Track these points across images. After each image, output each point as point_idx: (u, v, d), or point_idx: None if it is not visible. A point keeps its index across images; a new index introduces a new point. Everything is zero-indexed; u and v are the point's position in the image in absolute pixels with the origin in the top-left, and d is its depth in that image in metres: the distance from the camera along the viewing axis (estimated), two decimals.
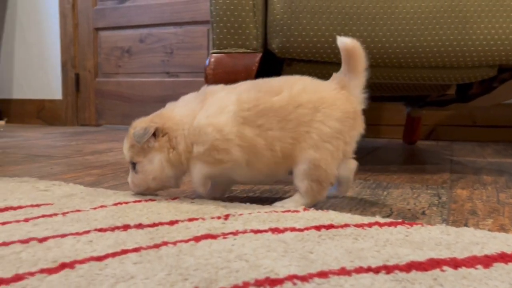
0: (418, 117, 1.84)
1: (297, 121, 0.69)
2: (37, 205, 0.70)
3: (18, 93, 3.00)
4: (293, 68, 1.06)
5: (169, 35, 2.71)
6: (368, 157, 1.47)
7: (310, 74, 1.06)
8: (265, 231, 0.57)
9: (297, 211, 0.68)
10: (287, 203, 0.73)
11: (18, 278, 0.42)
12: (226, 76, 0.99)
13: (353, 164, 0.80)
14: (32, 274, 0.43)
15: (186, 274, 0.43)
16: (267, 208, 0.70)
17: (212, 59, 1.00)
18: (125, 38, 2.81)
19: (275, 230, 0.58)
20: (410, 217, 0.70)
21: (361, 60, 0.76)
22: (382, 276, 0.43)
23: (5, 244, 0.51)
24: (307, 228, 0.59)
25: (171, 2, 2.69)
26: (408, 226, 0.60)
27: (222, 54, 0.99)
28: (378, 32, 0.97)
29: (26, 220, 0.61)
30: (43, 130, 2.45)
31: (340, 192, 0.83)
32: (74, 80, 2.86)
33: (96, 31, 2.87)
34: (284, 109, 0.70)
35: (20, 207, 0.68)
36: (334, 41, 0.97)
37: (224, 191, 0.83)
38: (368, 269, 0.45)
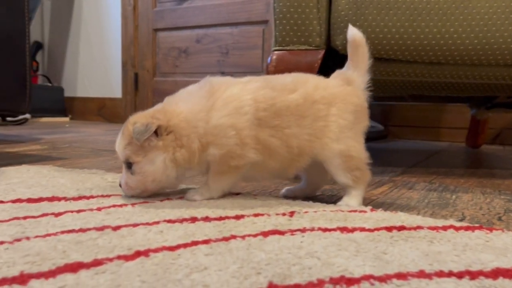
0: (484, 120, 1.75)
1: (313, 116, 0.70)
2: (108, 196, 0.72)
3: (82, 91, 3.15)
4: None
5: (225, 35, 2.74)
6: (430, 159, 1.42)
7: (374, 72, 1.03)
8: (334, 229, 0.56)
9: (364, 211, 0.66)
10: (351, 201, 0.72)
11: (97, 263, 0.43)
12: (289, 72, 0.98)
13: None
14: (110, 259, 0.44)
15: (258, 268, 0.43)
16: (332, 207, 0.68)
17: (274, 57, 0.99)
18: (182, 39, 2.88)
19: (343, 229, 0.56)
20: (486, 223, 0.66)
21: (366, 56, 0.77)
22: (466, 281, 0.41)
23: (82, 230, 0.53)
24: (377, 229, 0.56)
25: (227, 3, 2.72)
26: (487, 231, 0.56)
27: (284, 51, 0.99)
28: (449, 29, 0.92)
29: (99, 209, 0.64)
30: (104, 126, 2.56)
31: (305, 191, 0.81)
32: (133, 80, 2.96)
33: (155, 32, 2.96)
34: (301, 106, 0.70)
35: (92, 197, 0.71)
36: (402, 38, 0.94)
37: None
38: (450, 274, 0.42)
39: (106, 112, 3.05)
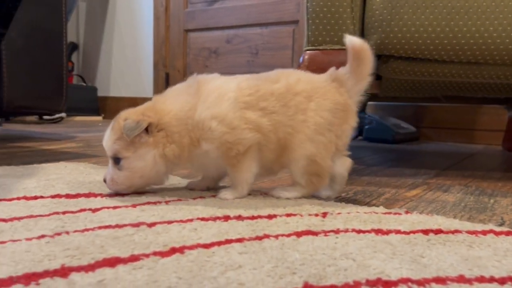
0: None
1: (295, 108, 0.70)
2: (142, 193, 0.73)
3: (114, 91, 3.22)
4: (389, 66, 1.02)
5: (255, 35, 2.75)
6: (465, 162, 1.38)
7: (408, 72, 1.02)
8: (368, 231, 0.55)
9: (398, 213, 0.65)
10: (289, 192, 0.74)
11: (134, 258, 0.44)
12: (321, 73, 0.97)
13: (347, 162, 0.76)
14: (146, 255, 0.45)
15: (293, 268, 0.43)
16: (366, 209, 0.67)
17: (306, 56, 0.99)
18: (213, 39, 2.90)
19: (378, 231, 0.55)
20: None
21: (368, 65, 0.75)
22: (509, 287, 0.39)
23: (118, 226, 0.54)
24: (413, 232, 0.55)
25: (257, 3, 2.73)
26: None
27: (317, 51, 0.98)
28: (488, 27, 0.89)
29: (134, 206, 0.65)
30: None
31: (335, 191, 0.77)
32: (164, 79, 3.01)
33: (186, 32, 3.00)
34: (284, 96, 0.70)
35: (126, 194, 0.72)
36: (438, 37, 0.92)
37: (212, 183, 0.79)
38: (491, 279, 0.41)
39: None
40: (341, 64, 0.97)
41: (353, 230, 0.55)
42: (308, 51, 0.99)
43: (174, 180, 0.86)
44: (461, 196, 0.85)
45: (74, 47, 3.30)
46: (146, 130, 0.68)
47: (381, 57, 1.04)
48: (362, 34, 0.98)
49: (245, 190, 0.72)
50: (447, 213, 0.72)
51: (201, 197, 0.72)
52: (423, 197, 0.84)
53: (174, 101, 0.71)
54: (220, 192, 0.73)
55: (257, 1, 2.72)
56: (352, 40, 0.74)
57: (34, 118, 2.54)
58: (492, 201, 0.82)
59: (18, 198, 0.66)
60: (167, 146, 0.68)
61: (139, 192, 0.74)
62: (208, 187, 0.79)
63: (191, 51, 2.98)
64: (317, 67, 0.97)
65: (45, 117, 2.51)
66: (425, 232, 0.55)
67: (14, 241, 0.47)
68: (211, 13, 2.88)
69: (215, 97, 0.69)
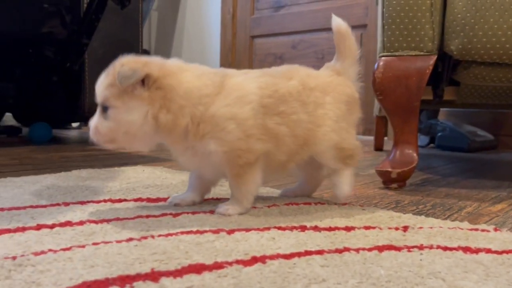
0: None
1: (314, 103, 0.69)
2: (217, 199, 0.75)
3: None
4: (471, 72, 0.97)
5: (321, 40, 2.73)
6: None
7: (492, 78, 0.96)
8: (455, 249, 0.52)
9: (486, 230, 0.61)
10: (344, 181, 0.74)
11: (218, 266, 0.45)
12: (396, 80, 0.94)
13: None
14: (229, 263, 0.46)
15: (379, 285, 0.41)
16: (449, 223, 0.64)
17: (381, 63, 0.96)
18: (278, 45, 2.92)
19: (466, 249, 0.52)
20: None
21: (354, 46, 0.77)
22: None
23: (199, 232, 0.56)
24: (505, 251, 0.52)
25: (324, 8, 2.70)
26: None
27: (393, 57, 0.95)
28: None
29: (211, 212, 0.66)
30: None
31: (307, 190, 0.80)
32: None
33: (251, 38, 3.04)
34: (301, 93, 0.69)
35: (204, 200, 0.74)
36: None
37: (206, 192, 0.73)
38: None
39: None
40: (418, 70, 0.93)
41: (438, 247, 0.53)
42: (383, 57, 0.96)
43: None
44: None
45: (146, 53, 3.46)
46: (143, 82, 0.60)
47: (460, 63, 0.99)
48: (441, 39, 0.94)
49: (250, 203, 0.67)
50: None
51: (275, 205, 0.72)
52: (510, 213, 0.78)
53: (193, 76, 0.64)
54: (220, 207, 0.66)
55: (324, 6, 2.70)
56: (338, 22, 0.76)
57: None
58: None
59: (105, 201, 0.70)
60: (162, 112, 0.60)
61: (215, 198, 0.75)
62: (195, 202, 0.71)
63: (257, 57, 3.01)
64: (392, 74, 0.94)
65: None
66: None
67: (106, 242, 0.50)
68: (277, 19, 2.90)
69: (237, 96, 0.63)
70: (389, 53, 0.96)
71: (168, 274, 0.42)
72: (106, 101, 0.61)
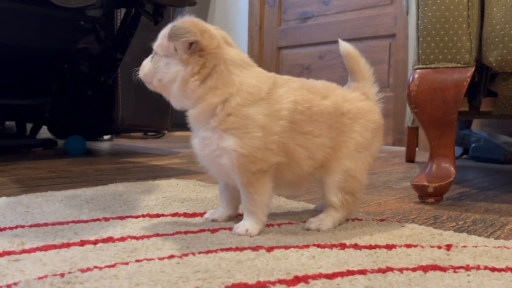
0: None
1: (339, 130, 0.68)
2: None
3: None
4: (510, 82, 0.95)
5: None
6: None
7: None
8: (503, 270, 0.51)
9: None
10: (324, 220, 0.68)
11: (261, 285, 0.45)
12: (433, 92, 0.92)
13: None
14: (272, 283, 0.45)
15: None
16: (494, 242, 0.62)
17: (416, 75, 0.95)
18: (305, 56, 2.92)
19: None
20: None
21: (367, 65, 0.76)
22: None
23: (238, 249, 0.56)
24: None
25: (351, 18, 2.69)
26: None
27: (428, 70, 0.93)
28: None
29: None
30: None
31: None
32: None
33: (278, 49, 3.06)
34: (332, 115, 0.68)
35: (239, 215, 0.74)
36: None
37: (238, 203, 0.71)
38: None
39: None
40: (455, 83, 0.92)
41: (486, 268, 0.51)
42: (418, 70, 0.95)
43: (280, 201, 0.87)
44: None
45: None
46: (190, 45, 0.62)
47: (499, 74, 0.96)
48: (479, 51, 0.92)
49: (265, 216, 0.65)
50: None
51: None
52: None
53: (250, 73, 0.64)
54: (237, 228, 0.63)
55: (351, 16, 2.69)
56: (345, 46, 0.75)
57: (139, 133, 2.74)
58: None
59: (143, 216, 0.71)
60: (195, 77, 0.62)
61: None
62: (230, 217, 0.71)
63: (284, 68, 3.02)
64: (429, 87, 0.93)
65: (149, 133, 2.69)
66: None
67: (148, 260, 0.51)
68: (304, 30, 2.91)
69: (275, 109, 0.63)
70: (425, 66, 0.94)
71: None
72: (156, 46, 0.65)
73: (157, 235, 0.61)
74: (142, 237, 0.59)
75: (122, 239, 0.58)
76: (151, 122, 1.74)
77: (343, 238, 0.62)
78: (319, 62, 2.86)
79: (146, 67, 0.67)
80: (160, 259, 0.51)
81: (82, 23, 1.52)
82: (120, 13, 1.57)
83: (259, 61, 3.10)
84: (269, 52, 3.09)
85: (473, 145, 1.90)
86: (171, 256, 0.52)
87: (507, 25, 0.86)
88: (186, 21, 0.63)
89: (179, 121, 3.09)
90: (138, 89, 1.66)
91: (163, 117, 1.75)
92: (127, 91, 1.61)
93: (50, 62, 1.66)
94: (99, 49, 1.55)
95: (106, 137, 2.36)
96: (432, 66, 0.93)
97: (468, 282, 0.47)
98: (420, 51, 0.95)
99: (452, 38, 0.91)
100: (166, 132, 2.79)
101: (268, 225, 0.68)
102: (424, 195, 0.94)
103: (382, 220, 0.74)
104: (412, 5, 1.00)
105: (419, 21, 0.94)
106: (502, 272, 0.50)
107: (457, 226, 0.76)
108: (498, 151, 1.82)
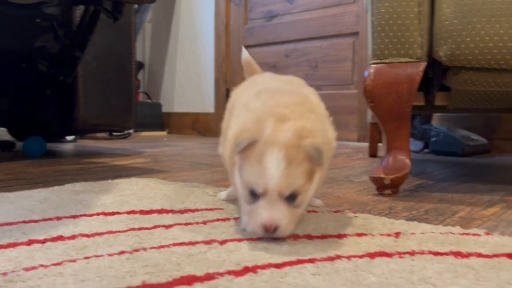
0: None
1: None
2: (211, 209, 0.75)
3: (178, 107, 3.34)
4: (460, 77, 0.98)
5: (314, 49, 2.74)
6: None
7: (481, 83, 0.97)
8: (446, 254, 0.53)
9: (477, 235, 0.61)
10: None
11: (209, 277, 0.45)
12: (387, 87, 0.95)
13: None
14: (221, 274, 0.46)
15: None
16: (441, 229, 0.64)
17: (372, 70, 0.97)
18: (272, 54, 2.94)
19: (457, 254, 0.52)
20: None
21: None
22: None
23: (191, 243, 0.56)
24: (496, 255, 0.52)
25: (316, 17, 2.73)
26: None
27: (383, 64, 0.96)
28: None
29: (204, 222, 0.66)
30: (198, 140, 2.69)
31: None
32: (225, 95, 3.08)
33: (245, 48, 3.05)
34: None
35: (196, 210, 0.74)
36: None
37: None
38: None
39: (200, 126, 3.19)
40: (408, 77, 0.94)
41: (430, 252, 0.53)
42: (373, 65, 0.97)
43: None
44: None
45: (140, 66, 3.48)
46: None
47: (450, 69, 1.00)
48: (430, 46, 0.95)
49: None
50: None
51: None
52: (503, 217, 0.79)
53: (314, 122, 0.58)
54: None
55: (316, 15, 2.73)
56: (246, 54, 0.90)
57: (104, 134, 2.69)
58: None
59: (98, 214, 0.70)
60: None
61: (208, 208, 0.76)
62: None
63: None
64: (383, 81, 0.95)
65: (114, 133, 2.65)
66: (510, 256, 0.52)
67: (97, 256, 0.50)
68: (270, 29, 2.92)
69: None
70: (379, 61, 0.96)
71: (159, 286, 0.42)
72: (298, 189, 0.55)
73: (110, 232, 0.60)
74: (93, 235, 0.58)
75: (73, 237, 0.57)
76: (114, 121, 1.71)
77: (297, 230, 0.63)
78: (286, 60, 2.88)
79: (293, 220, 0.57)
80: (109, 255, 0.51)
81: (39, 21, 1.48)
82: (80, 11, 1.54)
83: (226, 60, 3.10)
84: (236, 51, 3.09)
85: (433, 139, 1.96)
86: (122, 252, 0.52)
87: (455, 21, 0.90)
88: (314, 141, 0.55)
89: (145, 121, 3.04)
90: (100, 88, 1.63)
91: (126, 116, 1.73)
92: (89, 90, 1.58)
93: (7, 62, 1.61)
94: (57, 48, 1.51)
95: (69, 138, 2.30)
96: (386, 61, 0.96)
97: (412, 266, 0.49)
98: (374, 46, 0.97)
99: (404, 33, 0.94)
100: (132, 132, 2.75)
101: (224, 219, 0.68)
102: (381, 187, 0.97)
103: (337, 211, 0.75)
104: (369, 2, 1.02)
105: (373, 17, 0.96)
106: (445, 256, 0.52)
107: (410, 216, 0.78)
108: (456, 145, 1.88)
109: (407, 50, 0.94)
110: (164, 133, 3.24)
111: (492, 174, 1.38)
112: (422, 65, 0.93)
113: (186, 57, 3.30)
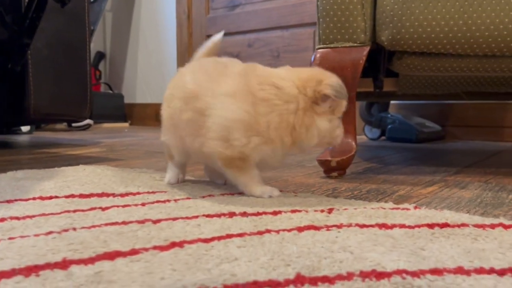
0: None
1: None
2: (153, 192, 0.75)
3: (140, 97, 3.29)
4: (404, 62, 1.01)
5: (276, 38, 2.75)
6: (490, 159, 1.34)
7: (423, 67, 1.00)
8: (372, 226, 0.55)
9: (407, 209, 0.64)
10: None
11: (134, 252, 0.45)
12: (332, 71, 0.95)
13: None
14: (146, 249, 0.46)
15: (288, 260, 0.43)
16: (374, 204, 0.66)
17: (318, 55, 0.98)
18: (235, 44, 2.93)
19: (382, 226, 0.55)
20: None
21: None
22: (507, 278, 0.38)
23: (124, 223, 0.56)
24: (418, 226, 0.54)
25: (278, 7, 2.73)
26: None
27: (328, 49, 0.98)
28: (503, 18, 0.87)
29: (143, 204, 0.66)
30: (160, 131, 2.65)
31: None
32: None
33: (208, 38, 3.03)
34: None
35: (138, 193, 0.74)
36: (452, 30, 0.90)
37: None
38: (491, 271, 0.40)
39: None
40: (352, 61, 0.96)
41: (357, 225, 0.55)
42: (319, 50, 0.99)
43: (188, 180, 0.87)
44: (479, 192, 0.83)
45: (101, 56, 3.40)
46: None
47: (395, 54, 1.03)
48: (373, 31, 0.97)
49: None
50: (461, 209, 0.70)
51: (210, 195, 0.73)
52: (438, 194, 0.82)
53: None
54: None
55: (277, 4, 2.73)
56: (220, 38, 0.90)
57: (63, 125, 2.62)
58: (511, 196, 0.79)
59: (34, 198, 0.68)
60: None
61: (150, 191, 0.76)
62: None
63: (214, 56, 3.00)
64: (329, 65, 0.97)
65: (74, 124, 2.59)
66: (431, 226, 0.54)
67: (22, 237, 0.49)
68: (232, 18, 2.91)
69: None
70: (325, 46, 0.98)
71: (79, 262, 0.42)
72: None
73: (43, 215, 0.59)
74: (24, 218, 0.58)
75: (2, 220, 0.56)
76: (68, 111, 1.67)
77: (234, 208, 0.64)
78: (248, 50, 2.88)
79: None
80: (36, 235, 0.50)
81: None
82: None
83: (188, 50, 3.07)
84: (198, 41, 3.06)
85: (389, 126, 2.01)
86: (50, 233, 0.51)
87: (395, 6, 0.92)
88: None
89: (107, 113, 2.97)
90: (52, 77, 1.59)
91: (81, 106, 1.69)
92: (39, 78, 1.54)
93: None
94: (5, 34, 1.46)
95: (24, 129, 2.24)
96: (332, 46, 0.97)
97: (336, 237, 0.50)
98: (320, 31, 0.99)
99: (348, 18, 0.95)
100: (92, 124, 2.70)
101: (164, 201, 0.68)
102: (328, 169, 0.99)
103: (280, 191, 0.76)
104: None
105: (318, 3, 0.98)
106: (370, 228, 0.54)
107: (352, 195, 0.80)
108: (410, 131, 1.94)
109: (351, 35, 0.96)
110: (126, 124, 3.19)
111: (440, 158, 1.43)
112: (366, 50, 0.96)
113: (148, 47, 3.25)
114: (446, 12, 0.89)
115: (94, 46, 3.32)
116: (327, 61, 0.97)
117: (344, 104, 0.73)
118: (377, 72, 1.16)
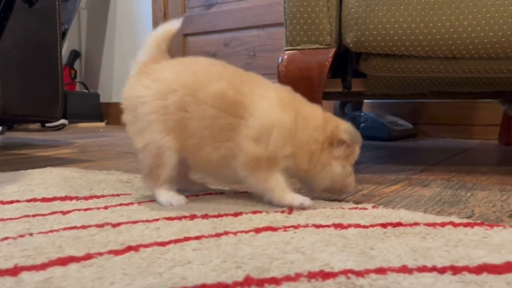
0: None
1: None
2: (117, 195, 0.75)
3: (117, 96, 3.26)
4: (369, 63, 1.03)
5: (252, 38, 2.76)
6: (456, 158, 1.37)
7: (388, 68, 1.02)
8: (328, 226, 0.56)
9: (365, 208, 0.65)
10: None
11: (88, 257, 0.46)
12: (299, 72, 0.98)
13: None
14: (101, 254, 0.46)
15: (240, 262, 0.44)
16: (334, 204, 0.68)
17: (285, 56, 0.99)
18: (211, 43, 2.92)
19: (338, 226, 0.56)
20: (494, 220, 0.63)
21: None
22: (447, 276, 0.40)
23: (83, 227, 0.56)
24: (372, 225, 0.56)
25: (254, 6, 2.74)
26: (488, 227, 0.55)
27: (295, 51, 0.99)
28: (463, 22, 0.90)
29: (106, 207, 0.66)
30: None
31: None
32: None
33: (184, 37, 3.02)
34: None
35: (102, 196, 0.74)
36: (414, 33, 0.92)
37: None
38: (433, 269, 0.42)
39: None
40: (318, 63, 0.98)
41: (313, 225, 0.56)
42: (287, 52, 1.00)
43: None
44: (439, 191, 0.86)
45: (76, 54, 3.35)
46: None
47: (361, 55, 1.04)
48: (339, 33, 0.99)
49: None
50: (419, 208, 0.72)
51: None
52: (400, 193, 0.84)
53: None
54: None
55: (253, 4, 2.74)
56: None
57: (36, 126, 2.58)
58: (468, 194, 0.82)
59: None
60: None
61: (115, 194, 0.76)
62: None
63: (190, 55, 2.99)
64: (295, 67, 0.98)
65: (47, 124, 2.55)
66: (384, 225, 0.56)
67: None
68: (209, 17, 2.91)
69: None
70: (292, 47, 0.99)
71: (31, 268, 0.42)
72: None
73: (1, 220, 0.59)
74: None
75: None
76: (39, 112, 1.65)
77: (196, 210, 0.64)
78: (225, 49, 2.88)
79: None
80: None
81: None
82: None
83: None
84: (175, 39, 3.03)
85: (362, 125, 2.04)
86: (5, 238, 0.51)
87: (360, 9, 0.94)
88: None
89: (82, 112, 2.93)
90: (21, 77, 1.56)
91: (52, 106, 1.67)
92: (8, 79, 1.51)
93: None
94: None
95: None
96: (298, 47, 0.99)
97: (291, 238, 0.52)
98: (287, 33, 1.00)
99: (314, 21, 0.97)
100: (66, 123, 2.66)
101: (128, 204, 0.69)
102: None
103: (244, 192, 0.77)
104: None
105: (285, 5, 0.99)
106: (326, 228, 0.55)
107: (316, 195, 0.82)
108: (383, 130, 1.97)
109: (317, 37, 0.97)
110: (102, 124, 3.15)
111: (408, 155, 1.46)
112: (331, 51, 0.97)
113: (125, 45, 3.22)
114: (408, 15, 0.91)
115: (69, 44, 3.27)
116: (294, 63, 0.98)
117: (357, 151, 0.73)
118: (346, 73, 1.17)
